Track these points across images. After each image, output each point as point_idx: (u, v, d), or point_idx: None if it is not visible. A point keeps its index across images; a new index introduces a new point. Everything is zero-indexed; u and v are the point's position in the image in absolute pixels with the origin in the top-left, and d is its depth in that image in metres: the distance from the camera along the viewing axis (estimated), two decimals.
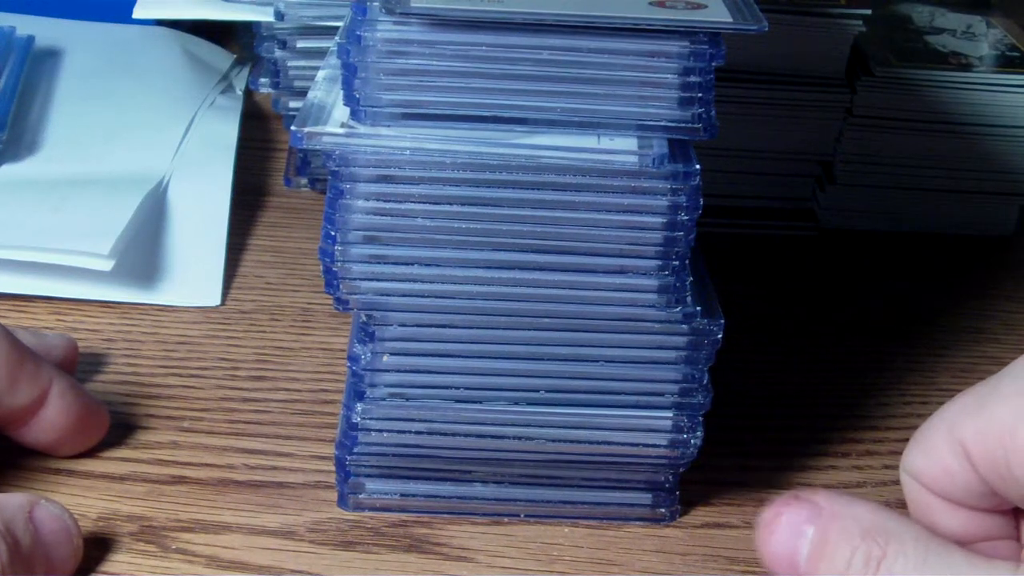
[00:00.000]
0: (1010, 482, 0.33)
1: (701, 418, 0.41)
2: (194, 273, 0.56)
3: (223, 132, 0.66)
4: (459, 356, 0.40)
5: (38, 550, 0.37)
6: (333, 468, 0.43)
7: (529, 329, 0.40)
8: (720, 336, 0.40)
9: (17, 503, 0.38)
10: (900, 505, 0.37)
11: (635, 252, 0.39)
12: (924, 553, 0.32)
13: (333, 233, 0.39)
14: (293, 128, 0.38)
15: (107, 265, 0.52)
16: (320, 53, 0.62)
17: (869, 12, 0.60)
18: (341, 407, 0.42)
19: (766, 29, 0.37)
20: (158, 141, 0.64)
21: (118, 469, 0.45)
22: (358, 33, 0.37)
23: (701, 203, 0.38)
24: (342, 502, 0.44)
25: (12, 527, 0.37)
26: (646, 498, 0.44)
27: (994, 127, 0.62)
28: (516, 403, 0.41)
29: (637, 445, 0.42)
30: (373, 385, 0.41)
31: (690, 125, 0.38)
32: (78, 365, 0.49)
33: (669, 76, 0.38)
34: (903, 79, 0.61)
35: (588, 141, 0.38)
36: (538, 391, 0.41)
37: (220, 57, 0.77)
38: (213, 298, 0.55)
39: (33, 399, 0.42)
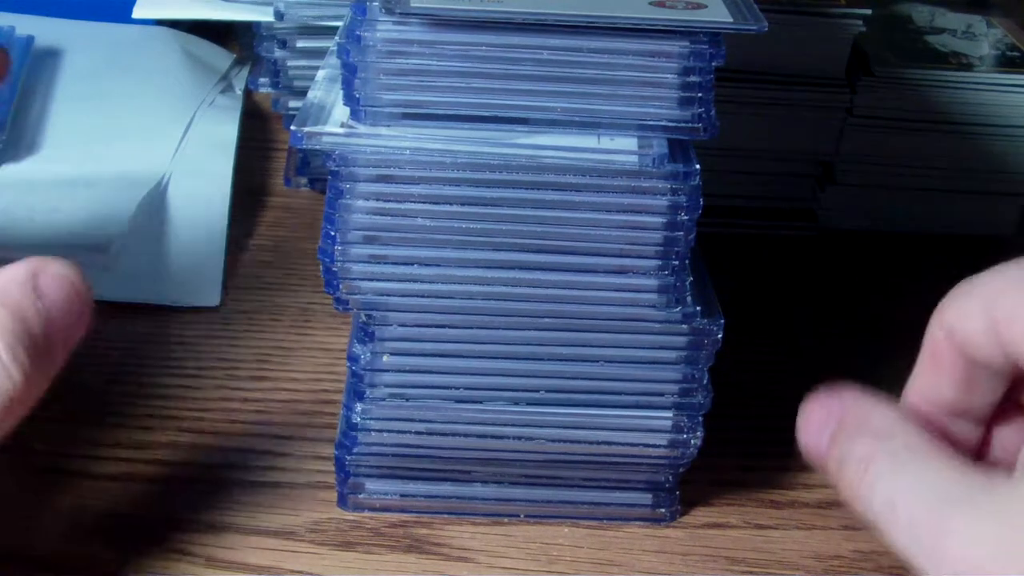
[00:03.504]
0: None
1: (701, 418, 0.42)
2: (194, 273, 0.56)
3: (223, 132, 0.66)
4: (459, 356, 0.40)
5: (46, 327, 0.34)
6: (333, 468, 0.43)
7: (529, 329, 0.40)
8: (720, 336, 0.40)
9: (18, 279, 0.34)
10: None
11: (635, 252, 0.39)
12: (911, 458, 0.32)
13: (333, 233, 0.39)
14: (293, 128, 0.38)
15: (107, 265, 0.52)
16: (320, 53, 0.61)
17: (869, 12, 0.60)
18: (341, 407, 0.42)
19: (766, 29, 0.37)
20: (158, 141, 0.64)
21: (118, 469, 0.45)
22: (358, 33, 0.37)
23: (701, 203, 0.38)
24: (342, 502, 0.44)
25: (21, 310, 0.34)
26: (646, 498, 0.44)
27: (994, 127, 0.62)
28: (516, 403, 0.41)
29: (637, 445, 0.42)
30: (373, 385, 0.41)
31: (690, 125, 0.38)
32: (80, 367, 0.48)
33: (669, 76, 0.37)
34: (903, 79, 0.61)
35: (588, 141, 0.38)
36: (538, 391, 0.41)
37: (220, 57, 0.77)
38: (213, 298, 0.55)
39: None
